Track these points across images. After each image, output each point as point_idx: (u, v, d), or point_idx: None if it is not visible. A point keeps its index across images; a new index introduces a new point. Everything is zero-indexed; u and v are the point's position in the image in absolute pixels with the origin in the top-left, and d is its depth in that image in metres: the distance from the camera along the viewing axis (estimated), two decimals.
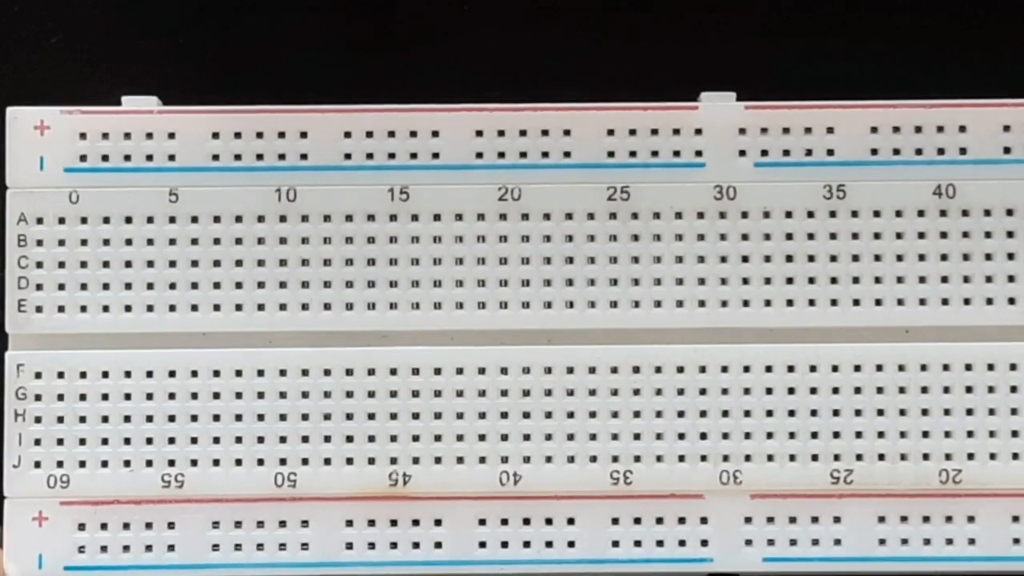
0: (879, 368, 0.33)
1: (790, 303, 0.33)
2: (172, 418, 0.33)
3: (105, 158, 0.33)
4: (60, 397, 0.33)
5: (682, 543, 0.33)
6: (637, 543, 0.33)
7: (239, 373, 0.33)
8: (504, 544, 0.33)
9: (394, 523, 0.33)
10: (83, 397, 0.33)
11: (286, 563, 0.33)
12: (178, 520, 0.33)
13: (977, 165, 0.33)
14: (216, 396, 0.33)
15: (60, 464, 0.33)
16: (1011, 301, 0.33)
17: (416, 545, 0.33)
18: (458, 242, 0.33)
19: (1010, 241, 0.33)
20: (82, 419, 0.33)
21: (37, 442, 0.33)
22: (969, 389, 0.33)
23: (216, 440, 0.33)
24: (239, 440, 0.33)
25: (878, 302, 0.33)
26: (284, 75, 0.35)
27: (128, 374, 0.33)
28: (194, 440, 0.33)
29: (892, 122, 0.33)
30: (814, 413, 0.33)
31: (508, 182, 0.33)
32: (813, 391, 0.33)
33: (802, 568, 0.32)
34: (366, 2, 0.36)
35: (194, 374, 0.33)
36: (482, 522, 0.33)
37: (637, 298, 0.33)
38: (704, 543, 0.33)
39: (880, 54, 0.35)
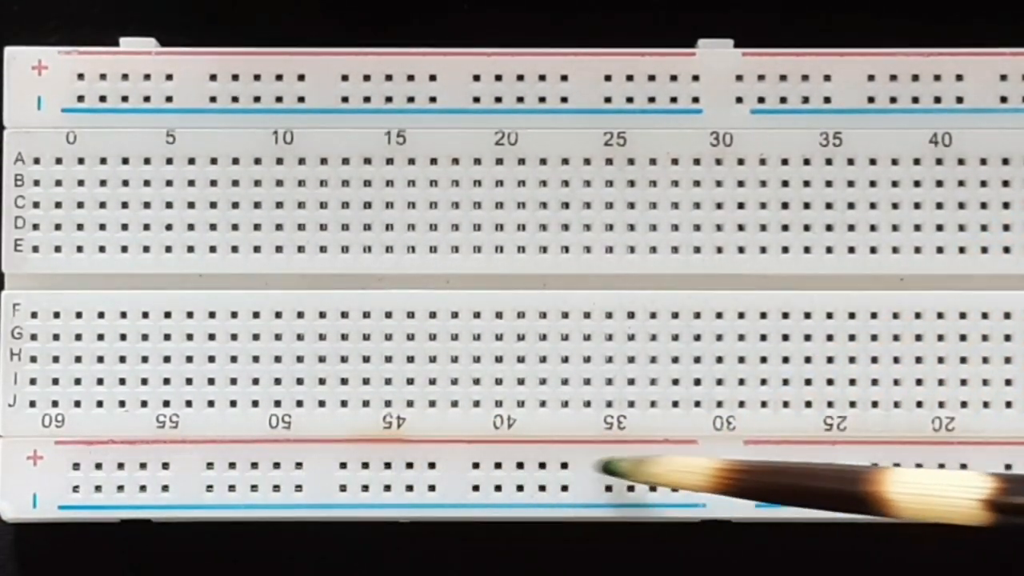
0: (873, 316, 0.33)
1: (785, 250, 0.33)
2: (167, 359, 0.33)
3: (103, 99, 0.33)
4: (56, 337, 0.33)
5: (675, 489, 0.33)
6: (630, 488, 0.33)
7: (234, 315, 0.33)
8: (498, 488, 0.33)
9: (388, 466, 0.33)
10: (79, 337, 0.33)
11: (280, 504, 0.33)
12: (172, 461, 0.33)
13: (974, 114, 0.33)
14: (211, 337, 0.33)
15: (55, 403, 0.33)
16: (1006, 250, 0.33)
17: (410, 488, 0.33)
18: (454, 186, 0.33)
19: (1005, 190, 0.33)
20: (77, 359, 0.33)
21: (32, 381, 0.33)
22: (963, 337, 0.33)
23: (211, 381, 0.33)
24: (234, 381, 0.33)
25: (873, 250, 0.33)
26: (283, 17, 0.35)
27: (124, 314, 0.33)
28: (189, 381, 0.33)
29: (889, 70, 0.33)
30: (808, 360, 0.33)
31: (505, 127, 0.33)
32: (807, 338, 0.33)
33: (794, 515, 0.32)
34: None
35: (189, 315, 0.33)
36: (476, 465, 0.33)
37: (632, 244, 0.33)
38: None
39: (879, 2, 0.35)
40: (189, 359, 0.33)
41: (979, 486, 0.21)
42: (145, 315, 0.33)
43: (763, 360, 0.33)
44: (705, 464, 0.25)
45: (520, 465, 0.33)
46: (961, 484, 0.21)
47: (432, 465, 0.33)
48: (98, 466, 0.33)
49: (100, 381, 0.33)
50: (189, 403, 0.33)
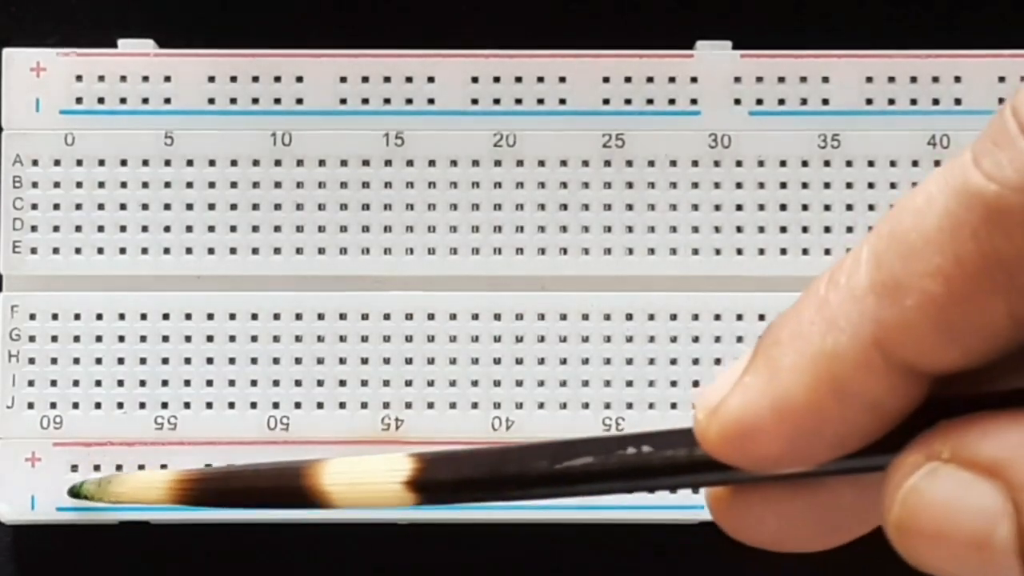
0: None
1: (783, 252, 0.33)
2: (165, 360, 0.33)
3: (101, 100, 0.33)
4: (54, 338, 0.33)
5: (672, 491, 0.33)
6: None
7: (233, 316, 0.33)
8: None
9: None
10: (77, 339, 0.33)
11: None
12: (171, 462, 0.33)
13: (971, 116, 0.33)
14: (210, 339, 0.33)
15: (53, 405, 0.33)
16: None
17: None
18: (453, 188, 0.33)
19: None
20: (76, 360, 0.33)
21: (31, 383, 0.33)
22: None
23: (209, 383, 0.33)
24: (232, 383, 0.33)
25: None
26: (281, 19, 0.35)
27: (122, 316, 0.33)
28: (187, 383, 0.33)
29: (887, 72, 0.33)
30: None
31: (503, 129, 0.33)
32: None
33: None
34: None
35: (188, 317, 0.33)
36: None
37: (631, 245, 0.33)
38: (695, 490, 0.33)
39: (877, 3, 0.35)
40: (187, 361, 0.33)
41: (402, 468, 0.21)
42: (143, 317, 0.33)
43: None
44: (162, 477, 0.26)
45: None
46: (386, 468, 0.21)
47: None
48: (96, 467, 0.33)
49: (98, 383, 0.33)
50: (187, 405, 0.33)
